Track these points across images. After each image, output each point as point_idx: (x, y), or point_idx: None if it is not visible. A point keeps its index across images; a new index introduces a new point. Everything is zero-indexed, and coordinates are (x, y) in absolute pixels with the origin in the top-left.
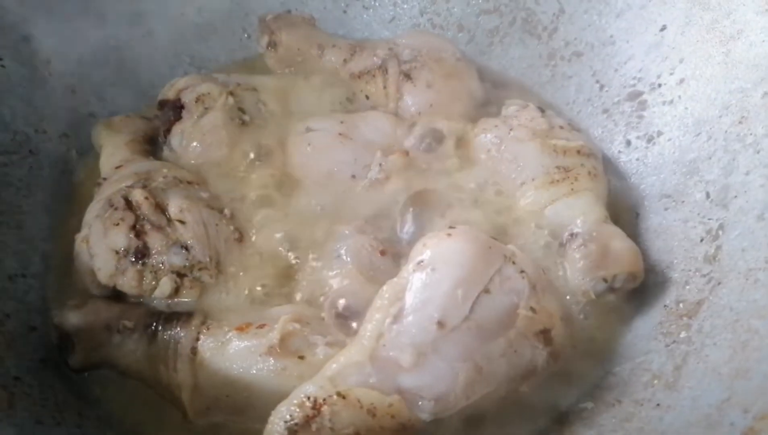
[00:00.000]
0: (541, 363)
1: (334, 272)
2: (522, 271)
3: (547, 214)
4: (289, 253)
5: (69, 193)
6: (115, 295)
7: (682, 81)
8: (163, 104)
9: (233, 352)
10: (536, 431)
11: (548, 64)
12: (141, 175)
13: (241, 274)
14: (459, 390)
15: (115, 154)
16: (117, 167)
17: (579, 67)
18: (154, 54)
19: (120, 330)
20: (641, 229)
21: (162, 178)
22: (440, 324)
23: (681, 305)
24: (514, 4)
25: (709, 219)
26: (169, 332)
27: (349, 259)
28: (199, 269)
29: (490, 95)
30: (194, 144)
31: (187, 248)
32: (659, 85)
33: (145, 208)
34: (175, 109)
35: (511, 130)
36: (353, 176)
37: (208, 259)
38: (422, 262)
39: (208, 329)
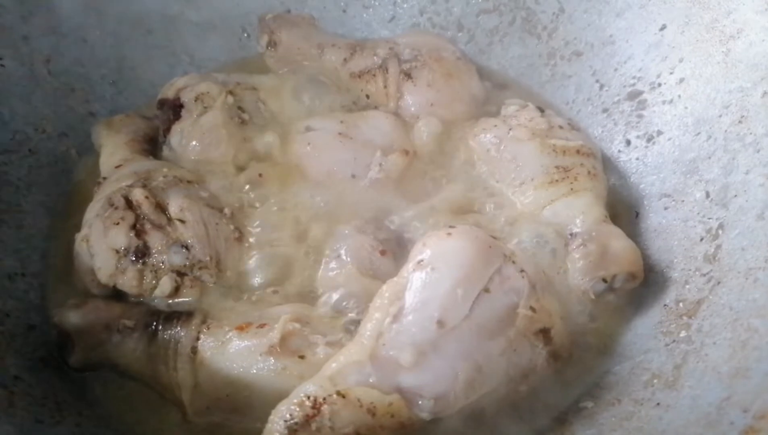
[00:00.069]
0: (540, 362)
1: (334, 272)
2: (522, 271)
3: (547, 214)
4: (289, 253)
5: (69, 193)
6: (115, 295)
7: (681, 80)
8: (162, 103)
9: (233, 352)
10: (536, 430)
11: (548, 63)
12: (141, 175)
13: (241, 273)
14: (459, 389)
15: (114, 153)
16: (117, 166)
17: (579, 66)
18: (153, 53)
19: (120, 329)
20: (641, 228)
21: (162, 178)
22: (440, 323)
23: (681, 304)
24: (513, 4)
25: (709, 218)
26: (169, 332)
27: (348, 258)
28: (200, 268)
29: (490, 95)
30: (194, 143)
31: (187, 247)
32: (659, 85)
33: (145, 208)
34: (174, 109)
35: (510, 129)
36: (353, 175)
37: (208, 259)
38: (422, 261)
39: (208, 329)
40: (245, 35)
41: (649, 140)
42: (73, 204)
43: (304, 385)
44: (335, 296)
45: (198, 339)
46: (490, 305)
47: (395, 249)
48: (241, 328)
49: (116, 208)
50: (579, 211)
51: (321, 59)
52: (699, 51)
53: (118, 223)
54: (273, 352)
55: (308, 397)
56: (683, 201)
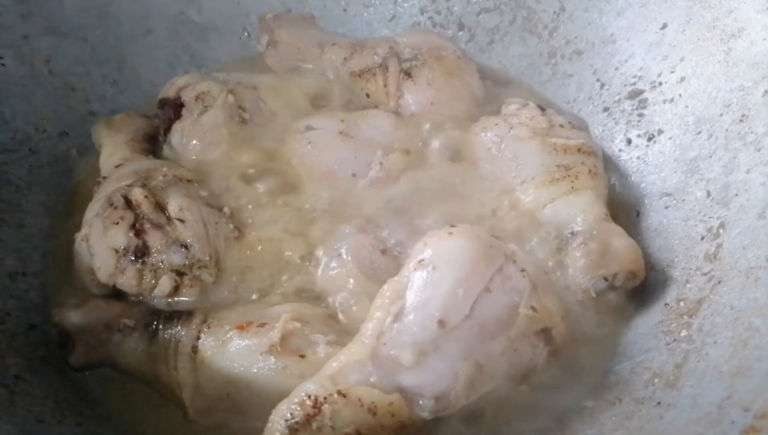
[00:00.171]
0: (541, 362)
1: (335, 271)
2: (523, 270)
3: (548, 213)
4: (290, 252)
5: (69, 192)
6: (116, 294)
7: (682, 79)
8: (163, 103)
9: (234, 351)
10: (536, 430)
11: (549, 62)
12: (141, 174)
13: (241, 272)
14: (459, 389)
15: (115, 152)
16: (117, 166)
17: (579, 65)
18: (154, 52)
19: (120, 329)
20: (642, 227)
21: (162, 177)
22: (441, 323)
23: (682, 304)
24: (514, 3)
25: (710, 217)
26: (169, 331)
27: (349, 257)
28: (199, 268)
29: (491, 93)
30: (194, 142)
31: (186, 247)
32: (660, 84)
33: (145, 207)
34: (175, 108)
35: (511, 128)
36: (354, 175)
37: (207, 258)
38: (423, 260)
39: (208, 328)
40: (246, 34)
41: (650, 139)
42: (73, 203)
43: (304, 384)
44: (336, 295)
45: (198, 338)
46: (491, 305)
47: (396, 248)
48: (241, 328)
49: (116, 208)
50: (580, 210)
51: (321, 58)
52: (700, 50)
53: (117, 223)
54: (273, 351)
55: (309, 397)
56: (684, 200)
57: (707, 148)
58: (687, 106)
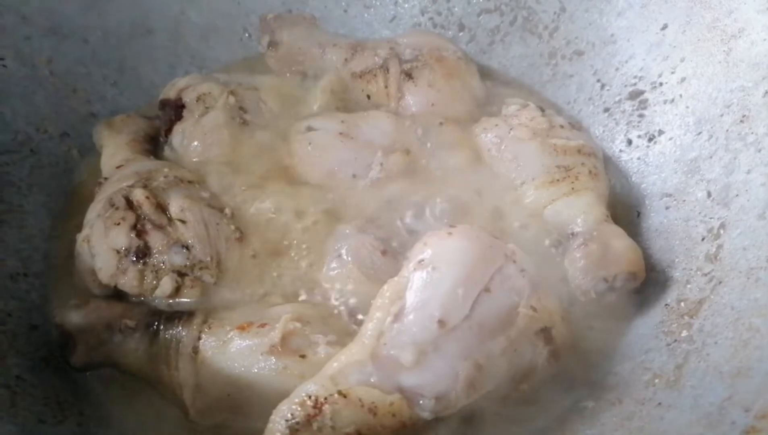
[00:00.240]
0: (541, 362)
1: (335, 271)
2: (523, 270)
3: (548, 214)
4: (290, 253)
5: (70, 193)
6: (117, 295)
7: (683, 80)
8: (164, 104)
9: (234, 351)
10: (537, 430)
11: (549, 63)
12: (142, 175)
13: (242, 273)
14: (460, 389)
15: (116, 153)
16: (118, 167)
17: (580, 66)
18: (155, 53)
19: (121, 329)
20: (642, 228)
21: (163, 178)
22: (441, 323)
23: (682, 304)
24: (514, 3)
25: (711, 218)
26: (170, 331)
27: (349, 258)
28: (200, 269)
29: (491, 94)
30: (195, 143)
31: (188, 248)
32: (660, 84)
33: (146, 208)
34: (176, 109)
35: (511, 129)
36: (354, 175)
37: (209, 259)
38: (423, 260)
39: (209, 328)
40: (246, 35)
41: (650, 140)
42: (74, 204)
43: (305, 384)
44: (336, 295)
45: (199, 339)
46: (491, 305)
47: (396, 249)
48: (242, 328)
49: (117, 209)
50: (580, 211)
51: (322, 59)
52: (700, 50)
53: (119, 224)
54: (274, 351)
55: (309, 397)
56: (684, 200)
57: (708, 149)
58: (687, 107)
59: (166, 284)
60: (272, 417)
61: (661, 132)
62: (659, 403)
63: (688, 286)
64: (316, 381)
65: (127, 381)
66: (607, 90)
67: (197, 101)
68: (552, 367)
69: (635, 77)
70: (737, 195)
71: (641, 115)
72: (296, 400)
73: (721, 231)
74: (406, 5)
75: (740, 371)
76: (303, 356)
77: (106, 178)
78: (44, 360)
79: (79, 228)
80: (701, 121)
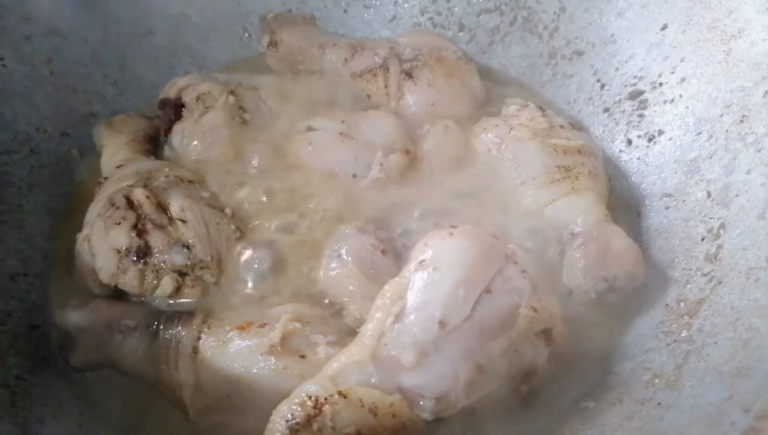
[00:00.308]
0: (542, 362)
1: (335, 272)
2: (523, 271)
3: (548, 214)
4: (290, 253)
5: (70, 193)
6: (117, 295)
7: (683, 80)
8: (164, 103)
9: (234, 352)
10: (537, 430)
11: (549, 63)
12: (142, 175)
13: (242, 273)
14: (460, 389)
15: (116, 153)
16: (118, 166)
17: (580, 66)
18: (155, 53)
19: (121, 329)
20: (642, 228)
21: (163, 178)
22: (442, 323)
23: (682, 304)
24: (514, 3)
25: (710, 218)
26: (170, 331)
27: (350, 258)
28: (201, 268)
29: (491, 94)
30: (195, 143)
31: (188, 247)
32: (660, 84)
33: (147, 208)
34: (176, 109)
35: (511, 129)
36: (354, 175)
37: (209, 258)
38: (424, 261)
39: (209, 328)
40: (246, 35)
41: (650, 140)
42: (74, 204)
43: (305, 384)
44: (336, 296)
45: (199, 339)
46: (492, 305)
47: (396, 249)
48: (242, 328)
49: (117, 208)
50: (580, 211)
51: (322, 59)
52: (700, 50)
53: (119, 223)
54: (274, 351)
55: (309, 397)
56: (684, 201)
57: (708, 149)
58: (687, 107)
59: (167, 284)
60: (272, 417)
61: (660, 132)
62: (659, 403)
63: (688, 286)
64: (316, 381)
65: (127, 381)
66: (607, 90)
67: (197, 101)
68: (552, 368)
69: (635, 77)
70: (737, 195)
71: (641, 115)
72: (296, 401)
73: (721, 231)
74: (406, 5)
75: (740, 371)
76: (303, 356)
77: (106, 178)
78: (44, 360)
79: (79, 228)
80: (701, 121)
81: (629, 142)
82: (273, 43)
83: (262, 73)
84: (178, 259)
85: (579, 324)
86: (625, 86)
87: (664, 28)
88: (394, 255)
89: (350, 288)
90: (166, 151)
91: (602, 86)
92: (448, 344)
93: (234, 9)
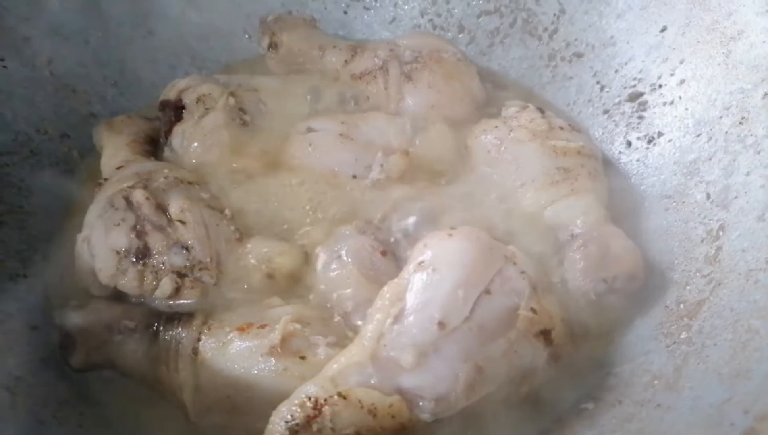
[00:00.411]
0: (541, 364)
1: (335, 272)
2: (523, 272)
3: (548, 215)
4: (290, 253)
5: (70, 194)
6: (117, 296)
7: (682, 82)
8: (164, 105)
9: (234, 353)
10: (536, 432)
11: (549, 64)
12: (142, 176)
13: (242, 274)
14: (459, 390)
15: (116, 154)
16: (118, 168)
17: (579, 67)
18: (155, 54)
19: (121, 330)
20: (642, 229)
21: (163, 179)
22: (441, 324)
23: (681, 306)
24: (514, 5)
25: (710, 220)
26: (170, 332)
27: (349, 259)
28: (200, 269)
29: (491, 96)
30: (195, 144)
31: (187, 248)
32: (660, 86)
33: (146, 209)
34: (176, 110)
35: (511, 131)
36: (354, 176)
37: (208, 260)
38: (423, 262)
39: (209, 329)
40: (246, 37)
41: (649, 141)
42: (74, 205)
43: (305, 385)
44: (336, 297)
45: (199, 340)
46: (491, 306)
47: (396, 250)
48: (242, 329)
49: (117, 209)
50: (580, 212)
51: (322, 61)
52: (700, 52)
53: (118, 225)
54: (274, 352)
55: (309, 398)
56: (684, 202)
57: (707, 151)
58: (687, 109)
59: (166, 285)
60: (272, 418)
61: (660, 134)
62: (659, 405)
63: (688, 287)
64: (315, 382)
65: (126, 382)
66: (607, 92)
67: (197, 102)
68: (552, 369)
69: (635, 79)
70: (736, 197)
71: (641, 117)
72: (296, 402)
73: (721, 233)
74: (406, 7)
75: (739, 373)
76: (303, 357)
77: (106, 179)
78: (44, 361)
79: (78, 229)
80: (700, 122)
81: (629, 143)
82: (273, 45)
83: (262, 75)
84: (178, 260)
85: (578, 325)
86: (625, 88)
87: (663, 30)
88: (393, 256)
89: (350, 289)
90: (166, 153)
91: (602, 88)
92: (447, 345)
93: (234, 10)
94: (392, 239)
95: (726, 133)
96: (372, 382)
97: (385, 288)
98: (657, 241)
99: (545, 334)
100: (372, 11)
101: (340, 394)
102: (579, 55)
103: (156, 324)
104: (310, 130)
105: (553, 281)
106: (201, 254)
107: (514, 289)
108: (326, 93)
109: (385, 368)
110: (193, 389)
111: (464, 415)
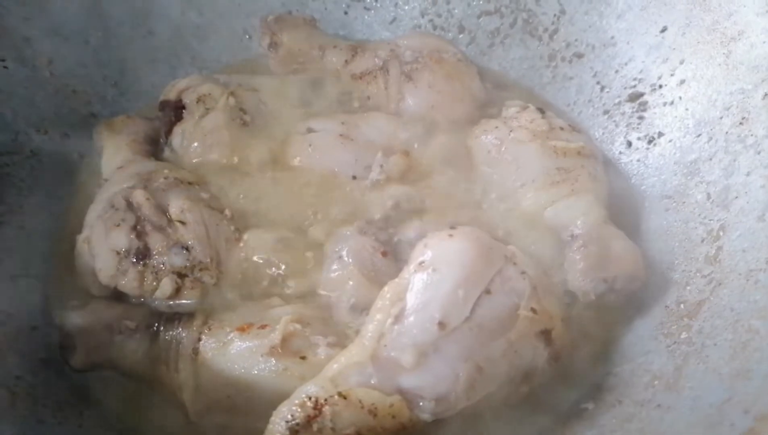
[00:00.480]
0: (541, 364)
1: (336, 273)
2: (523, 272)
3: (548, 216)
4: (290, 254)
5: (70, 194)
6: (117, 296)
7: (682, 82)
8: (164, 105)
9: (235, 353)
10: (537, 432)
11: (549, 65)
12: (142, 176)
13: (242, 274)
14: (460, 390)
15: (116, 154)
16: (118, 168)
17: (580, 68)
18: (155, 54)
19: (122, 330)
20: (642, 230)
21: (163, 179)
22: (441, 324)
23: (682, 306)
24: (514, 5)
25: (710, 220)
26: (170, 333)
27: (350, 259)
28: (200, 270)
29: (491, 96)
30: (195, 144)
31: (187, 249)
32: (660, 86)
33: (146, 209)
34: (176, 110)
35: (511, 131)
36: (354, 177)
37: (208, 260)
38: (423, 262)
39: (209, 330)
40: (247, 37)
41: (650, 142)
42: (74, 205)
43: (305, 385)
44: (336, 297)
45: (199, 340)
46: (491, 306)
47: (396, 250)
48: (242, 329)
49: (117, 210)
50: (580, 213)
51: (322, 61)
52: (700, 53)
53: (119, 225)
54: (274, 352)
55: (309, 398)
56: (684, 202)
57: (707, 151)
58: (687, 109)
59: (166, 285)
60: (272, 418)
61: (660, 134)
62: (659, 405)
63: (688, 287)
64: (316, 382)
65: (127, 382)
66: (607, 92)
67: (197, 102)
68: (552, 369)
69: (635, 79)
70: (737, 197)
71: (641, 117)
72: (296, 402)
73: (721, 233)
74: (406, 7)
75: (740, 373)
76: (303, 358)
77: (106, 179)
78: (44, 361)
79: (79, 229)
80: (701, 123)
81: (629, 144)
82: (273, 45)
83: (262, 75)
84: (178, 260)
85: (579, 325)
86: (625, 88)
87: (663, 30)
88: (394, 256)
89: (351, 289)
90: (167, 153)
91: (602, 88)
92: (447, 345)
93: (234, 10)
94: (393, 240)
95: (726, 133)
96: (372, 382)
97: (386, 288)
98: (657, 242)
99: (545, 334)
100: (372, 11)
101: (340, 394)
102: (579, 56)
103: (156, 324)
104: (310, 130)
105: (553, 281)
106: (201, 254)
107: (515, 289)
108: (326, 93)
109: (385, 368)
110: (193, 389)
111: (464, 415)
